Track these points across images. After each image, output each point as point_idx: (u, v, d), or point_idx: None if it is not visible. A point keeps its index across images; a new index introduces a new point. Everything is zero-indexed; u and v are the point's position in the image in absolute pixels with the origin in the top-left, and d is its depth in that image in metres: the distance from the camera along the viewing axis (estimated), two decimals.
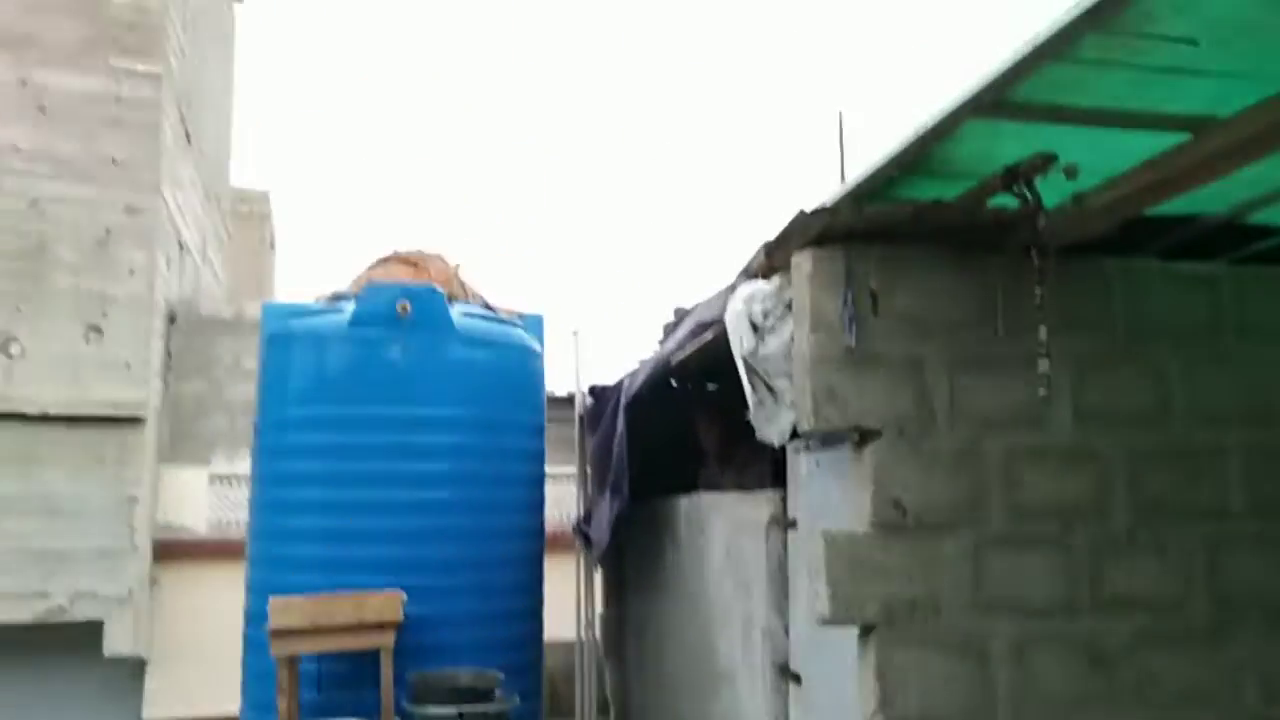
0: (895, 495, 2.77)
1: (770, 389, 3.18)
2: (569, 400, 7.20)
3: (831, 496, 3.03)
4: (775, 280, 3.18)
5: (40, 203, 6.98)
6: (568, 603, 5.41)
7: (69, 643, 6.69)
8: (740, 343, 3.18)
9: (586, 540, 5.05)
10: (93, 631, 6.63)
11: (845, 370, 2.81)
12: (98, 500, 6.74)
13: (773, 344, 3.08)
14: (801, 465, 3.30)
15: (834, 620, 2.74)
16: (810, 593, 3.00)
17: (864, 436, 2.80)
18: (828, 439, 3.00)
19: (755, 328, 3.18)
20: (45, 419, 6.72)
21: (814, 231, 2.80)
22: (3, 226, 6.86)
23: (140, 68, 7.31)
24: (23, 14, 7.14)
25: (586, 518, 5.14)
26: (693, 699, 4.20)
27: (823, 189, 2.95)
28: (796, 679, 3.31)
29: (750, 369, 3.19)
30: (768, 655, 3.44)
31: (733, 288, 3.58)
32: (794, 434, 3.12)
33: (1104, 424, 2.95)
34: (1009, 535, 2.84)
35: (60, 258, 6.96)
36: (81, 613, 6.62)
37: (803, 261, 2.87)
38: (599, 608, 5.54)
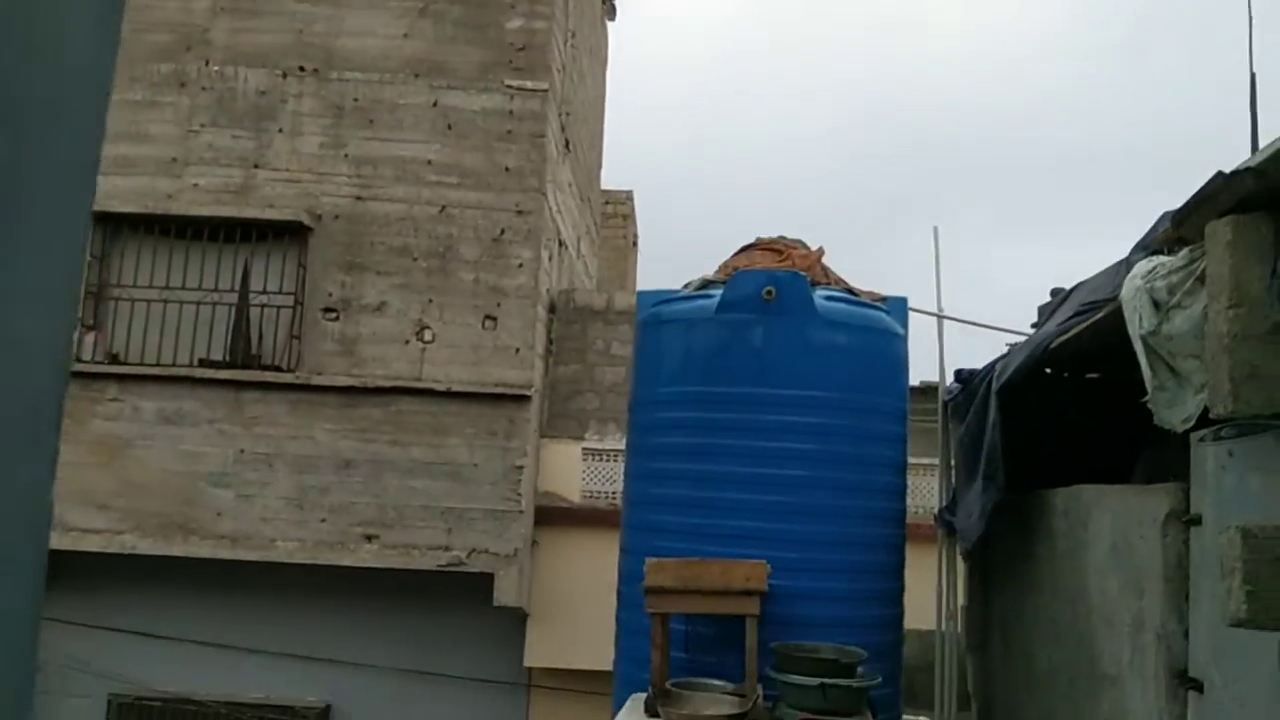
0: None
1: (1173, 371, 2.96)
2: (923, 390, 7.07)
3: (1248, 488, 2.75)
4: (1182, 253, 2.94)
5: (448, 209, 8.03)
6: (917, 592, 5.32)
7: (464, 591, 7.64)
8: (1139, 321, 2.98)
9: (950, 529, 4.93)
10: (484, 583, 7.53)
11: (1270, 348, 2.54)
12: (490, 467, 7.64)
13: (1179, 321, 2.85)
14: (1208, 455, 3.01)
15: (1251, 622, 2.49)
16: (1220, 593, 2.75)
17: None
18: (1245, 425, 2.72)
19: (1156, 304, 2.96)
20: (450, 395, 7.73)
21: (1236, 197, 2.56)
22: (420, 230, 7.99)
23: (529, 85, 8.16)
24: (434, 45, 8.24)
25: (950, 506, 5.02)
26: (1068, 701, 3.97)
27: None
28: (1196, 686, 3.03)
29: (1150, 350, 2.98)
30: (1162, 660, 3.19)
31: (1128, 263, 3.36)
32: (1201, 420, 2.87)
33: None
34: None
35: (463, 256, 7.97)
36: (476, 565, 7.54)
37: (1220, 229, 2.63)
38: (960, 599, 5.40)
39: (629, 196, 13.73)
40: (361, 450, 7.70)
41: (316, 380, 7.76)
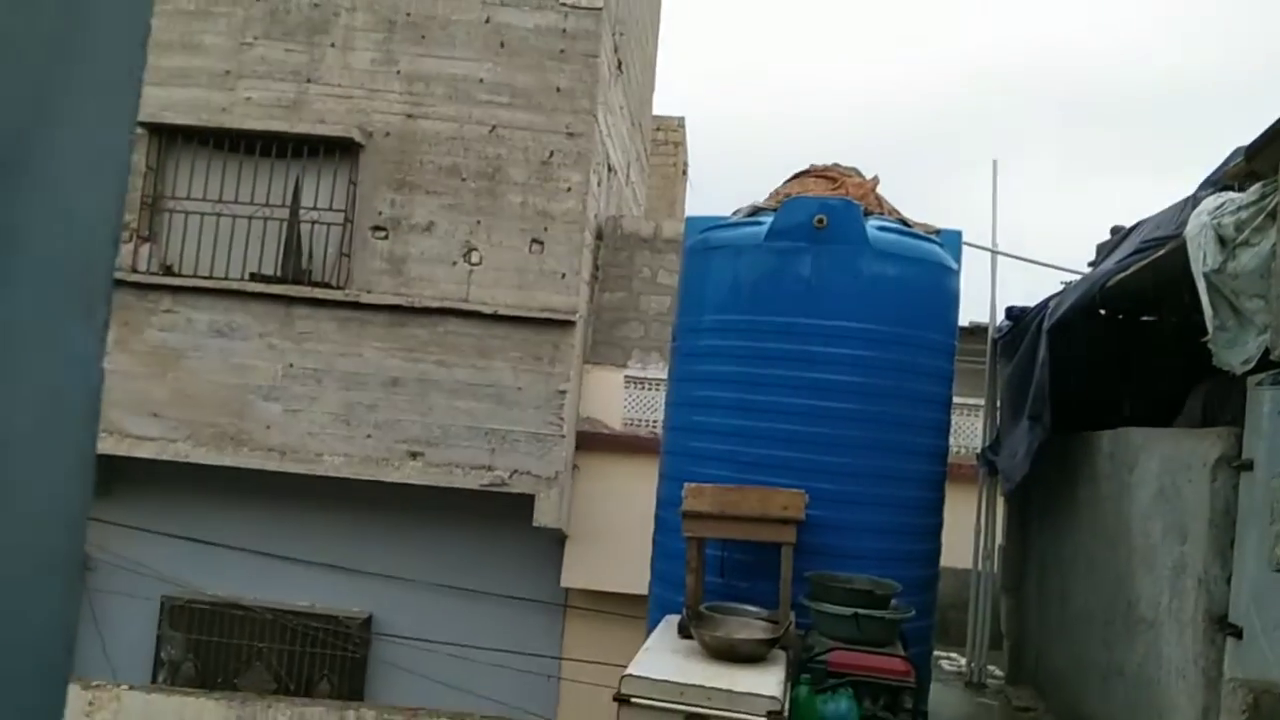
0: None
1: (1235, 310, 2.87)
2: (971, 331, 6.95)
3: None
4: (1254, 189, 2.83)
5: (498, 129, 7.96)
6: (954, 531, 5.30)
7: (505, 511, 7.77)
8: (1203, 258, 2.88)
9: (992, 469, 4.89)
10: (524, 504, 7.64)
11: None
12: (534, 391, 7.70)
13: (1245, 258, 2.75)
14: (1265, 399, 2.93)
15: None
16: (1268, 539, 2.71)
17: None
18: None
19: (1223, 241, 2.86)
20: (496, 318, 7.76)
21: None
22: (470, 150, 7.94)
23: (583, 3, 8.00)
24: None
25: (994, 446, 4.98)
26: (1102, 643, 3.97)
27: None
28: (1235, 631, 3.00)
29: (1213, 288, 2.89)
30: (1202, 605, 3.16)
31: (1194, 199, 3.25)
32: (1261, 363, 2.79)
33: None
34: None
35: (512, 178, 7.92)
36: (517, 486, 7.65)
37: None
38: (999, 539, 5.38)
39: (680, 123, 13.52)
40: (408, 369, 7.79)
41: (365, 298, 7.83)
